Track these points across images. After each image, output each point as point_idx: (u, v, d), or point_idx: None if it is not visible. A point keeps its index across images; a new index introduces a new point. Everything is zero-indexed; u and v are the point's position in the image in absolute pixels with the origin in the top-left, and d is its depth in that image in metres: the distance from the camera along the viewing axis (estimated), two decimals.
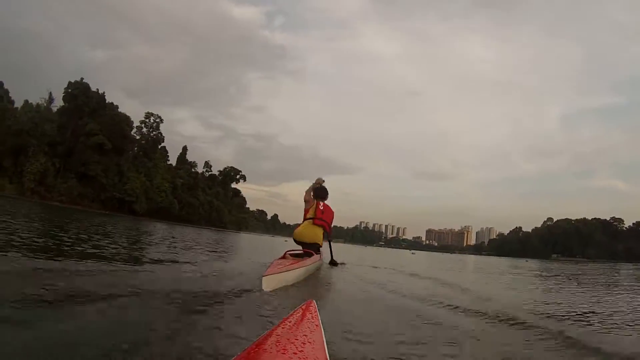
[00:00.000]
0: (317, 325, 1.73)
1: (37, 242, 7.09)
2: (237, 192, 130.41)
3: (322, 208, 9.13)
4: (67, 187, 71.18)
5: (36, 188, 66.44)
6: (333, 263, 10.15)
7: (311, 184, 9.65)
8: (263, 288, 4.70)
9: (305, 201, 9.45)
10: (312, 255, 8.03)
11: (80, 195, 73.17)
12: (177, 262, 7.36)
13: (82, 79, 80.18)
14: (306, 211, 9.27)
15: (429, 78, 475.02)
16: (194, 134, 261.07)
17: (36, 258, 5.17)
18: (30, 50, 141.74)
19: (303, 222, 9.14)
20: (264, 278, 4.83)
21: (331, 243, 10.24)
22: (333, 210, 9.44)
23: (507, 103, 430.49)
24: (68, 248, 6.99)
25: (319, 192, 9.44)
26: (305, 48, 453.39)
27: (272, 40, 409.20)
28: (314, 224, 8.92)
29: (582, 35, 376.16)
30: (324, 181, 9.71)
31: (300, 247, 8.63)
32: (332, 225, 9.46)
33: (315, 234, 8.85)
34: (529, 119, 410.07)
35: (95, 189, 75.56)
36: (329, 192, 9.64)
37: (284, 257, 7.37)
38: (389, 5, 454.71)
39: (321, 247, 9.03)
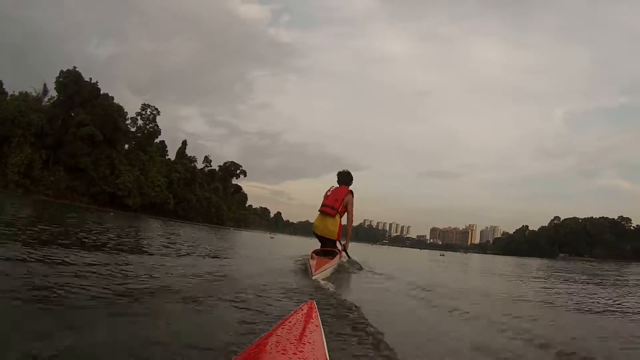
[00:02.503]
0: (317, 326, 1.75)
1: None
2: (238, 189, 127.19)
3: (329, 193, 8.34)
4: (55, 180, 67.51)
5: (21, 180, 62.82)
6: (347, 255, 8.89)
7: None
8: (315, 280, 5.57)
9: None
10: (335, 254, 7.90)
11: (69, 189, 69.53)
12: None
13: (74, 67, 76.51)
14: None
15: (438, 78, 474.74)
16: (199, 131, 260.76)
17: None
18: (38, 45, 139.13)
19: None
20: (314, 276, 5.68)
21: (348, 227, 8.69)
22: (349, 189, 8.47)
23: (515, 104, 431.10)
24: None
25: (341, 176, 8.67)
26: (312, 46, 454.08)
27: (278, 38, 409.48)
28: (322, 212, 8.24)
29: (591, 38, 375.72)
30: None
31: (318, 241, 8.40)
32: (342, 203, 8.23)
33: (326, 226, 8.16)
34: (535, 120, 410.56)
35: (84, 183, 71.73)
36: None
37: (311, 257, 7.40)
38: (398, 5, 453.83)
39: (337, 241, 8.35)
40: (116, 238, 9.99)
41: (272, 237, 34.11)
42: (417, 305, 5.32)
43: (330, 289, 5.01)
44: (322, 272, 6.00)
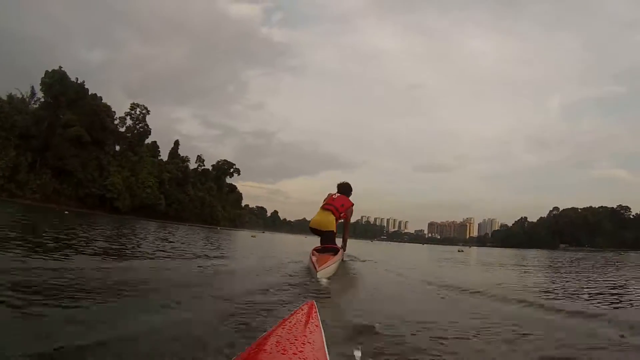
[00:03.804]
0: (317, 326, 1.76)
1: None
2: (233, 188, 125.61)
3: (335, 196, 8.94)
4: (42, 184, 65.42)
5: (6, 185, 60.59)
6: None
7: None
8: (319, 278, 5.60)
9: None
10: (337, 250, 8.06)
11: (56, 192, 67.45)
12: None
13: (60, 67, 74.27)
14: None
15: (430, 72, 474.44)
16: (193, 132, 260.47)
17: None
18: (31, 52, 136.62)
19: None
20: (318, 272, 5.70)
21: (345, 233, 9.75)
22: (352, 202, 9.13)
23: (508, 95, 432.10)
24: None
25: (342, 187, 9.28)
26: (304, 44, 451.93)
27: (270, 37, 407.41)
28: (324, 209, 8.69)
29: (582, 26, 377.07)
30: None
31: (317, 237, 8.77)
32: (345, 211, 8.88)
33: (328, 219, 8.53)
34: (529, 111, 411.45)
35: (72, 185, 69.77)
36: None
37: (312, 254, 7.49)
38: (388, 0, 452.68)
39: (335, 233, 8.63)
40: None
41: (254, 237, 32.06)
42: (424, 304, 5.13)
43: (332, 289, 5.05)
44: (326, 269, 6.05)
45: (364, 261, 10.93)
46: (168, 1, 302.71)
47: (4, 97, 68.27)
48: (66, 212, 37.41)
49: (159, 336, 2.50)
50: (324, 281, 5.49)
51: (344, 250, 9.18)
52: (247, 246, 16.73)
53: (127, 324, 2.66)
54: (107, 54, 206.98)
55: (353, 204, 9.03)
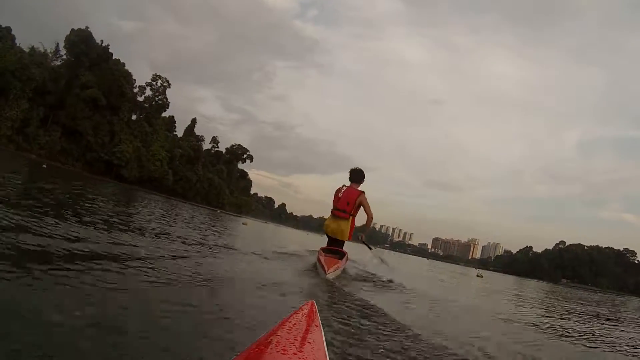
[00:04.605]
0: (317, 326, 1.75)
1: None
2: (244, 174, 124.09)
3: (340, 195, 8.02)
4: (50, 141, 64.02)
5: (14, 136, 59.31)
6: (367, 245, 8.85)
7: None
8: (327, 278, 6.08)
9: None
10: (343, 255, 7.74)
11: (64, 152, 65.98)
12: None
13: (87, 27, 73.03)
14: None
15: (452, 88, 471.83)
16: (213, 114, 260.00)
17: None
18: (62, 14, 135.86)
19: None
20: (327, 275, 6.12)
21: (367, 228, 8.53)
22: (359, 191, 7.99)
23: (525, 123, 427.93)
24: None
25: (353, 174, 8.27)
26: (334, 43, 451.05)
27: (302, 31, 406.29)
28: (333, 215, 8.03)
29: (607, 64, 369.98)
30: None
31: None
32: (354, 207, 7.85)
33: (339, 227, 7.94)
34: (545, 141, 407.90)
35: (81, 147, 68.31)
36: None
37: (319, 254, 7.40)
38: (421, 11, 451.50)
39: (346, 240, 8.08)
40: None
41: (245, 224, 30.32)
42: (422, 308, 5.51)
43: (336, 289, 5.23)
44: (334, 272, 6.34)
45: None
46: None
47: (26, 50, 67.23)
48: (44, 166, 36.70)
49: (154, 335, 2.34)
50: (331, 281, 5.85)
51: (365, 242, 8.68)
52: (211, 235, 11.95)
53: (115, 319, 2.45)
54: (137, 26, 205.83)
55: (361, 192, 7.92)
